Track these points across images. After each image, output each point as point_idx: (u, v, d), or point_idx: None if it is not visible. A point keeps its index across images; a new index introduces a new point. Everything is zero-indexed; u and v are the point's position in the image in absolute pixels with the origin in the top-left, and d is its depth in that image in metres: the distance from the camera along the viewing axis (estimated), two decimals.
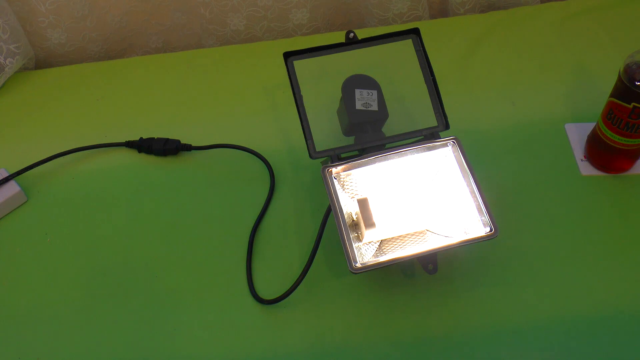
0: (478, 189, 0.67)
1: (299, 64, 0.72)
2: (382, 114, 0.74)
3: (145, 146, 0.87)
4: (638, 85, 0.69)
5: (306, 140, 0.71)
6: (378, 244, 0.69)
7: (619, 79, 0.72)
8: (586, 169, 0.81)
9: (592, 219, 0.77)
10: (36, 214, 0.82)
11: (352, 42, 0.73)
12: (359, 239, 0.68)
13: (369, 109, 0.74)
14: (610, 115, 0.74)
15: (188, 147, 0.86)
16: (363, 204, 0.67)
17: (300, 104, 0.72)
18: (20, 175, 0.84)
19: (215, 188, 0.83)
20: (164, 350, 0.70)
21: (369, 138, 0.73)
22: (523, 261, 0.73)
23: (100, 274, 0.76)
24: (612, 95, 0.74)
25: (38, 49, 1.04)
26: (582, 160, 0.82)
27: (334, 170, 0.69)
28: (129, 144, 0.88)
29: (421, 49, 0.74)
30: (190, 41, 1.09)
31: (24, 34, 0.99)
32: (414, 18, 1.06)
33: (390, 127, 0.76)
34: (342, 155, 0.71)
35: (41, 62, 1.06)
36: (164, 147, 0.86)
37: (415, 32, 0.74)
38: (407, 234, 0.69)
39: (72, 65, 1.02)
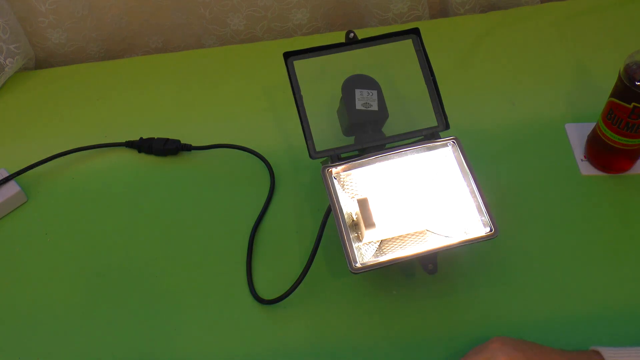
0: (478, 189, 0.67)
1: (299, 64, 0.72)
2: (382, 114, 0.74)
3: (145, 146, 0.87)
4: (638, 85, 0.69)
5: (306, 140, 0.71)
6: (378, 244, 0.69)
7: (619, 79, 0.72)
8: (586, 169, 0.81)
9: (592, 219, 0.77)
10: (36, 214, 0.82)
11: (352, 42, 0.73)
12: (359, 239, 0.68)
13: (369, 109, 0.74)
14: (610, 115, 0.74)
15: (188, 147, 0.86)
16: (363, 204, 0.67)
17: (300, 104, 0.71)
18: (20, 175, 0.84)
19: (215, 188, 0.83)
20: (163, 350, 0.69)
21: (369, 138, 0.73)
22: (523, 261, 0.73)
23: (100, 274, 0.76)
24: (612, 95, 0.74)
25: (38, 49, 1.04)
26: (582, 160, 0.82)
27: (334, 170, 0.69)
28: (129, 144, 0.88)
29: (421, 49, 0.74)
30: (190, 41, 1.09)
31: (24, 34, 0.99)
32: (414, 18, 1.06)
33: (390, 127, 0.76)
34: (342, 155, 0.71)
35: (41, 62, 1.06)
36: (164, 147, 0.86)
37: (415, 32, 0.74)
38: (407, 234, 0.69)
39: (72, 65, 1.02)
